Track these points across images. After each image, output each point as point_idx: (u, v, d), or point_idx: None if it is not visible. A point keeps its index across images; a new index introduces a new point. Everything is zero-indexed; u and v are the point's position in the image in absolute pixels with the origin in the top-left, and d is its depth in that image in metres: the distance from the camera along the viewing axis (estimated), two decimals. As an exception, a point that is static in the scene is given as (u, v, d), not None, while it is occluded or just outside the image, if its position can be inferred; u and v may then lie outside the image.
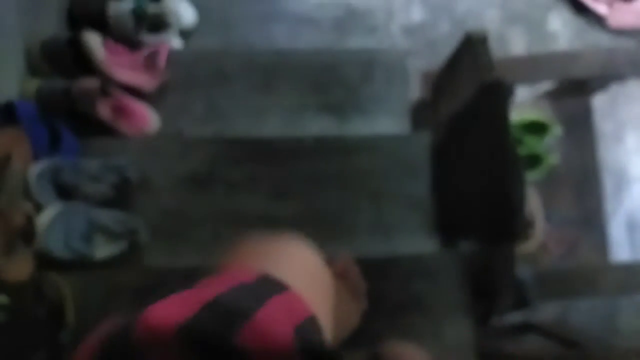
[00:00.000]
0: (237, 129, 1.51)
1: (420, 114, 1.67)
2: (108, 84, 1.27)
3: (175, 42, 1.66)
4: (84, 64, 1.28)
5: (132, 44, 1.50)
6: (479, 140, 1.10)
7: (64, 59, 1.26)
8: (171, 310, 0.42)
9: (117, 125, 1.34)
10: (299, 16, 1.81)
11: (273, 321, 0.42)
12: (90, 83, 1.24)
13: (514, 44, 2.11)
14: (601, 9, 2.12)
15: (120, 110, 1.33)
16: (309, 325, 0.46)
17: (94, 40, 1.28)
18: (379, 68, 1.58)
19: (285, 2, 1.83)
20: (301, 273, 0.57)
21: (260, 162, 1.31)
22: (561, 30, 2.15)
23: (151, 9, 1.53)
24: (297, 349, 0.40)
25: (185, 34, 1.73)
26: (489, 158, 1.12)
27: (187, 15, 1.72)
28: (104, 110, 1.28)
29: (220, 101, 1.54)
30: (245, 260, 0.59)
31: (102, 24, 1.46)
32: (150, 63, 1.43)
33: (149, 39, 1.53)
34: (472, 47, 1.07)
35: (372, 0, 1.88)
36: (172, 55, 1.53)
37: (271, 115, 1.54)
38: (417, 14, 2.09)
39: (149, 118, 1.41)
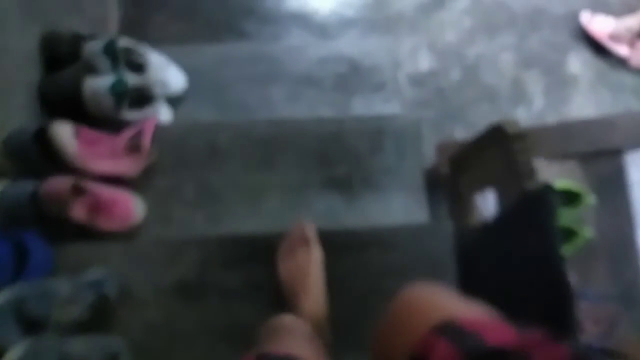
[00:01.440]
0: (232, 214, 1.34)
1: (433, 183, 1.51)
2: (82, 181, 1.10)
3: (163, 113, 1.50)
4: (54, 160, 1.11)
5: (113, 124, 1.34)
6: (523, 242, 0.94)
7: (30, 156, 1.09)
8: None
9: (96, 224, 1.18)
10: (299, 76, 1.65)
11: None
12: (61, 183, 1.08)
13: (531, 88, 1.95)
14: (622, 50, 1.96)
15: (98, 208, 1.16)
16: None
17: (63, 132, 1.11)
18: (389, 137, 1.41)
19: (283, 61, 1.67)
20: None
21: (257, 263, 1.14)
22: (581, 72, 1.98)
23: (133, 81, 1.36)
24: None
25: (174, 100, 1.57)
26: (535, 259, 0.96)
27: (176, 81, 1.56)
28: (79, 211, 1.12)
29: (213, 181, 1.38)
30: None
31: (77, 105, 1.30)
32: (133, 145, 1.27)
33: (132, 115, 1.36)
34: (504, 140, 0.91)
35: (376, 51, 1.71)
36: (159, 131, 1.37)
37: (270, 195, 1.37)
38: (425, 62, 1.93)
39: (132, 209, 1.25)
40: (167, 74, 1.53)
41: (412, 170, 1.41)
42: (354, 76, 1.68)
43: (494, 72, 1.97)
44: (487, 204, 1.21)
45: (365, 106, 1.66)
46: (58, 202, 1.09)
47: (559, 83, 1.99)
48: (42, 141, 1.11)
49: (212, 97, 1.63)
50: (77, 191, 1.12)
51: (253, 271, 1.15)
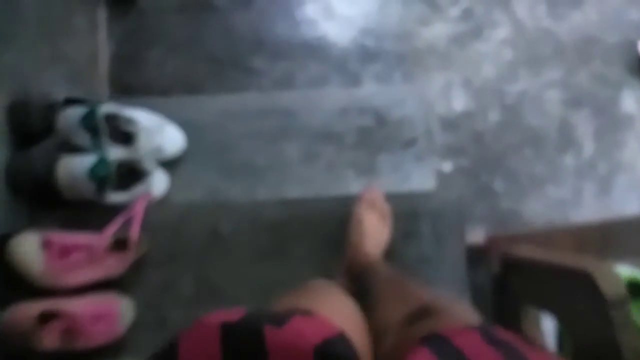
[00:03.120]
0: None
1: (474, 262, 1.27)
2: (53, 303, 0.88)
3: (158, 183, 1.27)
4: (15, 282, 0.89)
5: (95, 209, 1.11)
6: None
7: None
8: (219, 316, 0.46)
9: (75, 347, 0.96)
10: (315, 130, 1.41)
11: (299, 330, 0.46)
12: (24, 312, 0.86)
13: (580, 130, 1.69)
14: (689, 86, 1.69)
15: (75, 330, 0.94)
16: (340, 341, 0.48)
17: (26, 247, 0.89)
18: (426, 219, 1.18)
19: (297, 112, 1.44)
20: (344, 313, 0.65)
21: None
22: (637, 111, 1.72)
23: (119, 156, 1.14)
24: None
25: (171, 164, 1.35)
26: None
27: (172, 143, 1.34)
28: (50, 340, 0.90)
29: (214, 274, 1.16)
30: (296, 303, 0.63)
31: (52, 189, 1.07)
32: (118, 242, 1.05)
33: (118, 198, 1.14)
34: (596, 295, 0.67)
35: (406, 99, 1.46)
36: (151, 213, 1.15)
37: (282, 290, 1.14)
38: (459, 102, 1.67)
39: (118, 317, 1.03)
40: (162, 136, 1.29)
41: (453, 260, 1.18)
42: (380, 130, 1.44)
43: (539, 112, 1.72)
44: (546, 327, 0.98)
45: (394, 166, 1.43)
46: (22, 335, 0.87)
47: (612, 124, 1.73)
48: (1, 259, 0.88)
49: (215, 158, 1.40)
50: (46, 318, 0.89)
51: None
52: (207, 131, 1.42)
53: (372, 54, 1.71)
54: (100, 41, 1.63)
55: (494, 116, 1.70)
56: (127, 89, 1.65)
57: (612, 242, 1.01)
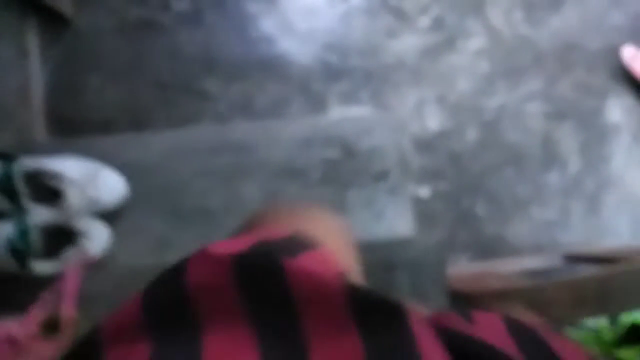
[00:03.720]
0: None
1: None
2: None
3: (96, 240, 1.10)
4: None
5: (19, 282, 0.94)
6: None
7: None
8: (226, 246, 0.40)
9: None
10: (276, 166, 1.25)
11: (316, 265, 0.39)
12: None
13: (564, 145, 1.57)
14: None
15: None
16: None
17: None
18: (403, 272, 1.03)
19: (255, 146, 1.28)
20: (331, 234, 0.57)
21: None
22: (623, 121, 1.61)
23: (44, 218, 0.96)
24: (346, 292, 0.34)
25: (112, 215, 1.18)
26: None
27: (111, 191, 1.16)
28: None
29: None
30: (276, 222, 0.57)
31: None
32: (48, 324, 0.88)
33: (45, 268, 0.97)
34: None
35: (376, 125, 1.31)
36: (87, 282, 0.98)
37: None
38: (434, 121, 1.53)
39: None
40: (97, 186, 1.12)
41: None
42: (348, 162, 1.29)
43: (519, 127, 1.58)
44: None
45: (365, 202, 1.28)
46: None
47: (598, 136, 1.61)
48: None
49: (163, 203, 1.23)
50: None
51: None
52: (152, 173, 1.25)
53: (336, 72, 1.55)
54: (31, 70, 1.44)
55: (472, 134, 1.56)
56: (64, 122, 1.47)
57: (612, 296, 0.88)
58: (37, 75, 1.46)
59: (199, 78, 1.53)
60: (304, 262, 0.39)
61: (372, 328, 0.33)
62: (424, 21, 1.59)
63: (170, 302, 0.37)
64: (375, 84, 1.56)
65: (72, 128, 1.47)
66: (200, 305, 0.36)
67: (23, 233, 0.92)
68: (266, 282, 0.37)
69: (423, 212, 1.52)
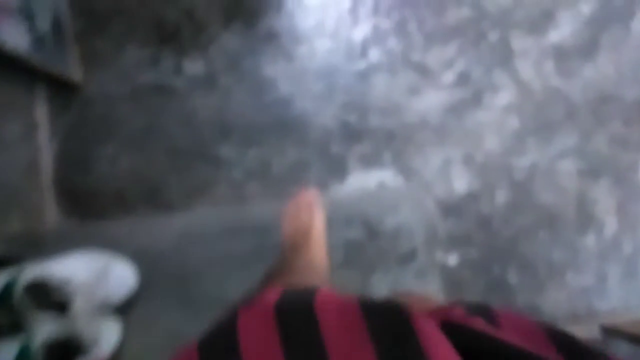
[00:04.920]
0: None
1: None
2: None
3: (107, 337, 1.04)
4: None
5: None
6: None
7: None
8: (266, 296, 0.46)
9: None
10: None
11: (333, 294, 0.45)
12: None
13: (600, 205, 1.47)
14: None
15: None
16: None
17: None
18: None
19: (274, 228, 1.20)
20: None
21: None
22: (663, 175, 1.49)
23: (51, 333, 0.90)
24: (362, 307, 0.40)
25: (124, 307, 1.12)
26: None
27: (122, 285, 1.11)
28: None
29: None
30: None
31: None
32: None
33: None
34: None
35: (400, 199, 1.24)
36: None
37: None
38: (461, 182, 1.45)
39: None
40: (107, 283, 1.06)
41: None
42: (371, 243, 1.21)
43: (552, 187, 1.49)
44: None
45: (391, 286, 1.20)
46: None
47: (635, 194, 1.51)
48: None
49: (176, 293, 1.17)
50: None
51: None
52: (165, 259, 1.19)
53: (356, 133, 1.48)
54: (40, 144, 1.39)
55: (501, 196, 1.47)
56: (75, 195, 1.42)
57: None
58: (46, 148, 1.41)
59: (213, 144, 1.46)
60: (324, 295, 0.44)
61: (384, 339, 0.36)
62: (449, 76, 1.50)
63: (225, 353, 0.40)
64: (398, 145, 1.48)
65: (84, 201, 1.41)
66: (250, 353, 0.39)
67: (26, 354, 0.86)
68: (301, 318, 0.41)
69: (451, 281, 1.44)
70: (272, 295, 0.45)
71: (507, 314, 0.44)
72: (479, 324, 0.42)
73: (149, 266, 1.14)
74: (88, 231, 1.15)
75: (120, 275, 1.07)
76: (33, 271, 0.93)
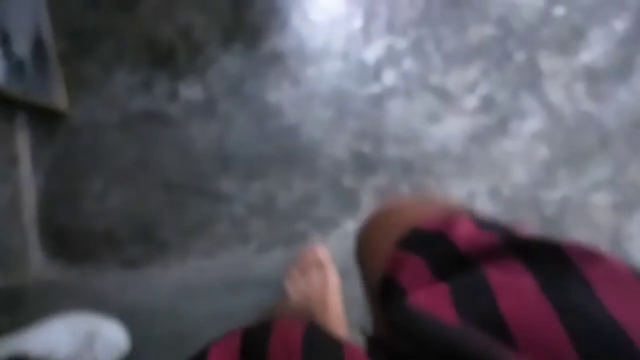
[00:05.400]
0: None
1: None
2: None
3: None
4: None
5: None
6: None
7: None
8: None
9: None
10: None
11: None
12: None
13: (638, 242, 1.33)
14: None
15: None
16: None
17: None
18: None
19: (279, 282, 1.07)
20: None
21: None
22: None
23: None
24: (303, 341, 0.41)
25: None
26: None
27: (111, 349, 0.97)
28: None
29: None
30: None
31: None
32: None
33: None
34: None
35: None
36: None
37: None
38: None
39: None
40: (96, 348, 0.93)
41: None
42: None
43: (586, 223, 1.35)
44: None
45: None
46: None
47: (678, 228, 1.37)
48: None
49: (173, 355, 1.03)
50: None
51: None
52: (159, 317, 1.05)
53: (370, 163, 1.34)
54: (22, 180, 1.25)
55: (531, 232, 1.33)
56: (62, 236, 1.28)
57: None
58: (28, 183, 1.27)
59: (212, 177, 1.33)
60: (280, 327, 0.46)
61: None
62: (471, 101, 1.36)
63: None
64: (416, 177, 1.34)
65: (70, 242, 1.27)
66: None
67: None
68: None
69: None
70: (238, 330, 0.45)
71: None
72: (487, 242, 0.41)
73: (141, 326, 1.01)
74: (74, 284, 1.01)
75: (109, 340, 0.93)
76: (11, 344, 0.79)
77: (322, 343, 0.41)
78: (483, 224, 0.45)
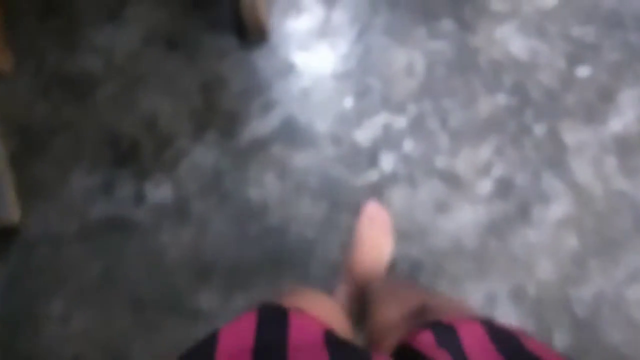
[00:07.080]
0: None
1: None
2: None
3: None
4: None
5: None
6: None
7: None
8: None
9: None
10: None
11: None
12: None
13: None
14: None
15: None
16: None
17: None
18: None
19: None
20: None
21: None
22: None
23: None
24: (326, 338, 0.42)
25: None
26: None
27: None
28: None
29: None
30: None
31: None
32: None
33: None
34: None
35: None
36: None
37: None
38: (509, 321, 1.11)
39: None
40: None
41: None
42: None
43: (622, 321, 1.17)
44: None
45: None
46: None
47: None
48: None
49: None
50: None
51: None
52: None
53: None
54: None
55: (561, 338, 1.16)
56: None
57: None
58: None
59: (189, 291, 1.15)
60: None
61: None
62: (485, 185, 1.18)
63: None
64: (426, 277, 1.16)
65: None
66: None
67: None
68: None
69: None
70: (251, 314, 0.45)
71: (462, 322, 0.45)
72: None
73: None
74: None
75: None
76: None
77: (344, 343, 0.42)
78: (495, 336, 0.44)
